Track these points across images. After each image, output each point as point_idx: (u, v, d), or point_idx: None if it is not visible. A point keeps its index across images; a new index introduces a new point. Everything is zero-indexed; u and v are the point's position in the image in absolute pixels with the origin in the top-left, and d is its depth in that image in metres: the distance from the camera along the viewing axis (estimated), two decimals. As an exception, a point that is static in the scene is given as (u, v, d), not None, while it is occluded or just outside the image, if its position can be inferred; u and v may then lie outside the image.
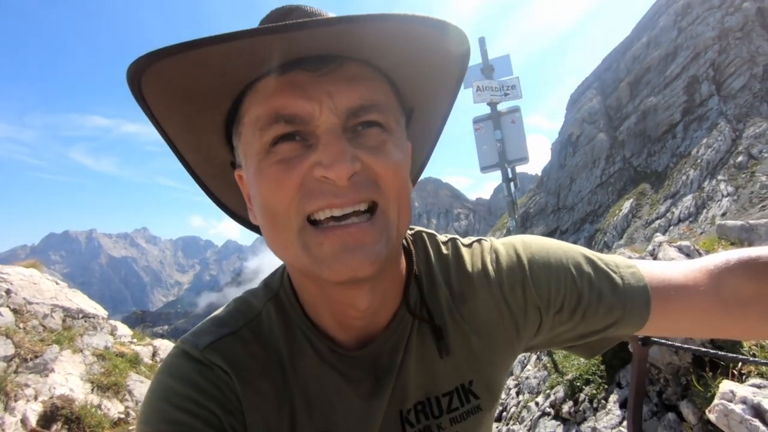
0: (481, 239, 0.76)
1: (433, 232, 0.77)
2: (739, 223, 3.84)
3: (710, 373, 2.48)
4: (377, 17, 0.45)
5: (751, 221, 3.75)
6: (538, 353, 5.27)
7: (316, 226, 0.52)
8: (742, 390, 2.09)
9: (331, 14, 0.56)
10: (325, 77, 0.51)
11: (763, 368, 2.29)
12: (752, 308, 0.64)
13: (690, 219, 17.35)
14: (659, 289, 0.67)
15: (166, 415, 0.55)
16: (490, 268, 0.71)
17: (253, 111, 0.52)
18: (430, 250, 0.74)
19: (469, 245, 0.75)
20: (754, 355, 2.46)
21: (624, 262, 0.71)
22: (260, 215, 0.56)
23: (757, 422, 1.90)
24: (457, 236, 0.78)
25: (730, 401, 2.05)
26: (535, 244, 0.72)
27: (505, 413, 4.98)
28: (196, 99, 0.53)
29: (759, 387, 2.14)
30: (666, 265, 0.71)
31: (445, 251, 0.74)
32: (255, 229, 0.65)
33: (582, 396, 3.82)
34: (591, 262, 0.70)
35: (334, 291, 0.59)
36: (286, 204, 0.52)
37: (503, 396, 5.15)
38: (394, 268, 0.65)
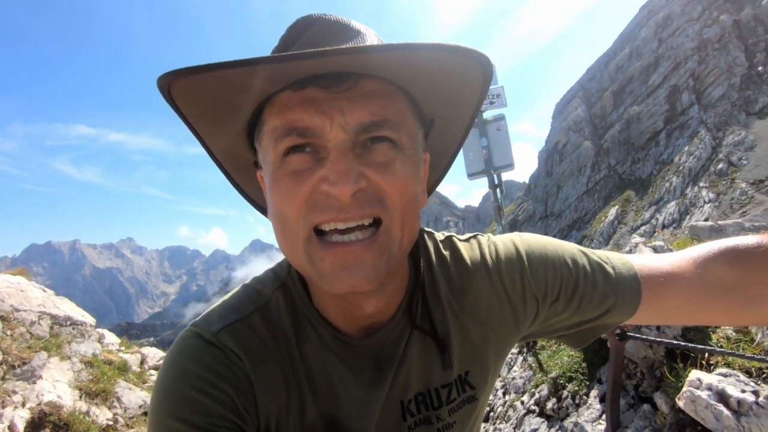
0: (477, 234, 0.78)
1: (431, 230, 0.79)
2: (708, 224, 4.04)
3: (681, 365, 2.60)
4: (397, 47, 0.48)
5: (720, 222, 3.94)
6: (524, 355, 5.37)
7: (322, 236, 0.54)
8: (709, 378, 2.21)
9: (354, 23, 0.59)
10: (339, 95, 0.52)
11: (730, 358, 2.41)
12: (735, 294, 0.67)
13: (674, 225, 17.65)
14: (649, 278, 0.70)
15: (181, 394, 0.56)
16: (489, 259, 0.73)
17: (271, 122, 0.55)
18: (430, 249, 0.75)
19: (467, 240, 0.78)
20: (721, 347, 2.59)
21: (615, 255, 0.75)
22: (273, 221, 0.59)
23: (721, 407, 2.02)
24: (453, 233, 0.79)
25: (697, 388, 2.16)
26: (532, 237, 0.76)
27: (492, 413, 5.05)
28: (219, 109, 0.56)
29: (725, 375, 2.26)
30: (655, 257, 0.75)
31: (443, 248, 0.76)
32: None
33: (565, 393, 3.91)
34: (585, 254, 0.73)
35: (341, 297, 0.62)
36: (295, 214, 0.54)
37: (490, 397, 5.22)
38: (398, 274, 0.66)
